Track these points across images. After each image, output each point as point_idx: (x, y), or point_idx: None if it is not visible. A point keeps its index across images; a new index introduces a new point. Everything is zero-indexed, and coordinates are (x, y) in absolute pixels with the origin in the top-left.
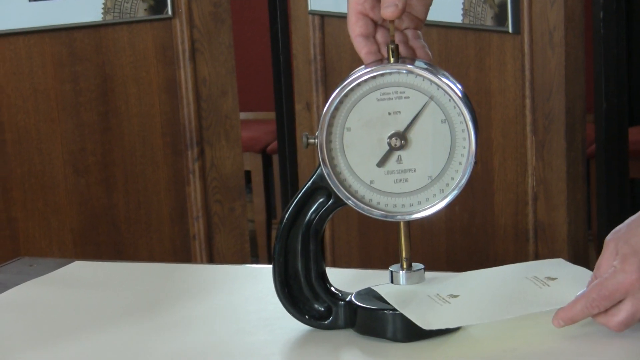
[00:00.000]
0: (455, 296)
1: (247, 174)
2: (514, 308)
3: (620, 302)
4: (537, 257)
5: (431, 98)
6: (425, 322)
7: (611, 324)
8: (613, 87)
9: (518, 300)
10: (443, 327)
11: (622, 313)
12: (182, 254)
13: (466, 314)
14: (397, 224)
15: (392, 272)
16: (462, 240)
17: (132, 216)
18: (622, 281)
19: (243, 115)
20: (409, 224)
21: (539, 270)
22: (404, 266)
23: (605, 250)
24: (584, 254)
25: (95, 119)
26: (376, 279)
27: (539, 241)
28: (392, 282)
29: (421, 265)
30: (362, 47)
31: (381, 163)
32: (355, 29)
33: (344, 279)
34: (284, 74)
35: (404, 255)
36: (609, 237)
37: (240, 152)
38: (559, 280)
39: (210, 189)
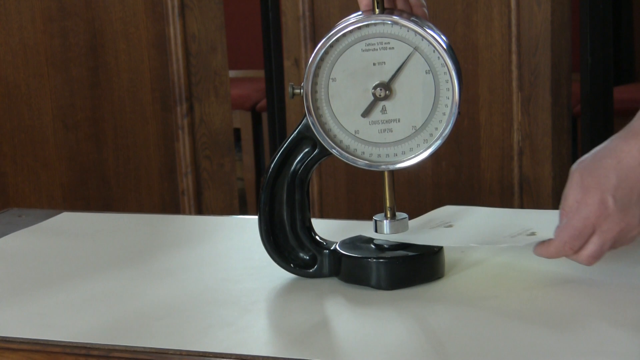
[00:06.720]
0: (450, 225)
1: (237, 132)
2: (502, 240)
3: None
4: None
5: (416, 49)
6: (415, 237)
7: (581, 259)
8: (598, 43)
9: (506, 235)
10: (430, 243)
11: (591, 246)
12: (171, 210)
13: (458, 238)
14: (382, 173)
15: (376, 220)
16: (448, 195)
17: (122, 171)
18: (587, 216)
19: (233, 73)
20: (394, 173)
21: (522, 228)
22: (388, 215)
23: (570, 180)
24: None
25: (84, 75)
26: (362, 229)
27: (524, 195)
28: (375, 231)
29: (405, 215)
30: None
31: (366, 113)
32: None
33: (329, 229)
34: (273, 30)
35: (388, 204)
36: (574, 166)
37: (229, 108)
38: (540, 233)
39: (200, 144)
